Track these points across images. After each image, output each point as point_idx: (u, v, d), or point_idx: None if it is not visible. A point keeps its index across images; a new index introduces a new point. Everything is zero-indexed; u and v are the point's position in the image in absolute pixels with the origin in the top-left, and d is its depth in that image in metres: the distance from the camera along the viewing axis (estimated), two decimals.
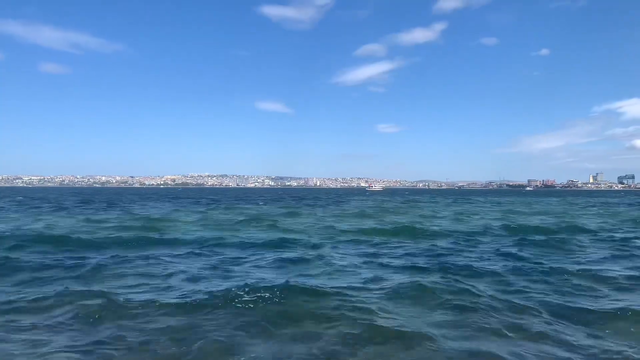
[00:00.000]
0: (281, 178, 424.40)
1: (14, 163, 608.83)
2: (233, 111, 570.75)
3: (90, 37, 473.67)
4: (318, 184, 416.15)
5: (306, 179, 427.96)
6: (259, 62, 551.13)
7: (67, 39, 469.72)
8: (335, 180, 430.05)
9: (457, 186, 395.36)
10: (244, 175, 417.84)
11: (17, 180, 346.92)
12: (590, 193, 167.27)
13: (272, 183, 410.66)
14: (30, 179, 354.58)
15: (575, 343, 6.74)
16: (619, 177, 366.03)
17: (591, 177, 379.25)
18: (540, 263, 13.01)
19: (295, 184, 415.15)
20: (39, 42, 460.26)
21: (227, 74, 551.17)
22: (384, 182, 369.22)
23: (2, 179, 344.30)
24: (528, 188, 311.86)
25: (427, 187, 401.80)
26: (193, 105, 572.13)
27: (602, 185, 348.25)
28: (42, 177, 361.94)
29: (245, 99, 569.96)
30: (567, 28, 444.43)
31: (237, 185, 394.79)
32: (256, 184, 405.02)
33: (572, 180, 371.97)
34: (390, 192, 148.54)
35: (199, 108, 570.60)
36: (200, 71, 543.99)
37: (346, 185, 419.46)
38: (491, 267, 12.34)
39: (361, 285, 10.07)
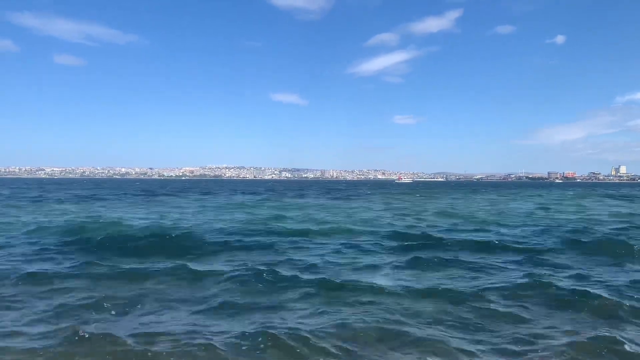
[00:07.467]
0: (297, 170, 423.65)
1: (36, 155, 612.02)
2: (248, 103, 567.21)
3: (103, 28, 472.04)
4: (335, 176, 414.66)
5: (322, 171, 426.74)
6: (271, 53, 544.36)
7: (81, 30, 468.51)
8: (352, 172, 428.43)
9: (475, 178, 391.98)
10: (260, 167, 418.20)
11: (39, 172, 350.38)
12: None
13: (288, 175, 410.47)
14: (53, 170, 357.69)
15: None
16: None
17: (613, 170, 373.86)
18: None
19: (312, 175, 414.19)
20: (53, 34, 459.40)
21: (240, 65, 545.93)
22: (401, 174, 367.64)
23: (25, 170, 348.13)
24: (557, 180, 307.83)
25: (445, 179, 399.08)
26: (208, 97, 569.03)
27: (625, 178, 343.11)
28: (63, 169, 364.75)
29: (259, 91, 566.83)
30: (585, 13, 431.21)
31: (255, 177, 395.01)
32: (273, 175, 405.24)
33: (593, 173, 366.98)
34: (427, 186, 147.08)
35: (214, 100, 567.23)
36: (213, 62, 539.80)
37: (363, 177, 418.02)
38: None
39: None
